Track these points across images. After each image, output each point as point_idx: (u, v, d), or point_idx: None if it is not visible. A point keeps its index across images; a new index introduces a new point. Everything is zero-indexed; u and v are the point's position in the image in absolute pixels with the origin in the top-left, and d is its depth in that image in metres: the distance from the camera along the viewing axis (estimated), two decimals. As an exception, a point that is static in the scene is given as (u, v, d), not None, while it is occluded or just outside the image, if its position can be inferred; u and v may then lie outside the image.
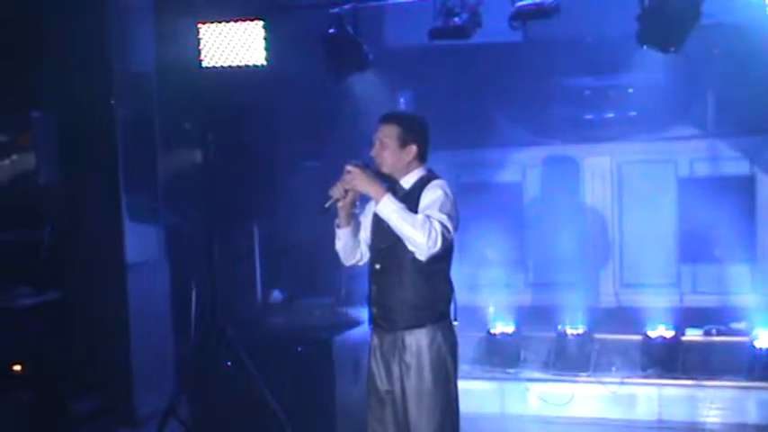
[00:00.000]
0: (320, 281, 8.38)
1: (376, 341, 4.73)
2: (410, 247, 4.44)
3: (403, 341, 4.58)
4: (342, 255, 4.86)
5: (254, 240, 8.42)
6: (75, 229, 7.03)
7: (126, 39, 6.90)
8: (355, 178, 4.52)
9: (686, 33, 6.17)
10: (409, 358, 4.57)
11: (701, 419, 7.52)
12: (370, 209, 4.76)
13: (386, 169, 4.65)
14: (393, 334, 4.62)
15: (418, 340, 4.57)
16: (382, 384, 4.68)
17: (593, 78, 8.83)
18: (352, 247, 4.82)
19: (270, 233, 8.48)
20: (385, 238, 4.60)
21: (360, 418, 5.30)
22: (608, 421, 7.71)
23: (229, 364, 6.99)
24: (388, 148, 4.62)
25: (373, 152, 4.66)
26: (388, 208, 4.44)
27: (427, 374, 4.57)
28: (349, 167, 4.54)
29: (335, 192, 4.60)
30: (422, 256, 4.44)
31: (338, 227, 4.77)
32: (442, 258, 4.60)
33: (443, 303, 4.68)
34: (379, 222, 4.64)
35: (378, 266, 4.67)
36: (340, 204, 4.66)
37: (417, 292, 4.59)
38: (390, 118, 4.72)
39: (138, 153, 7.08)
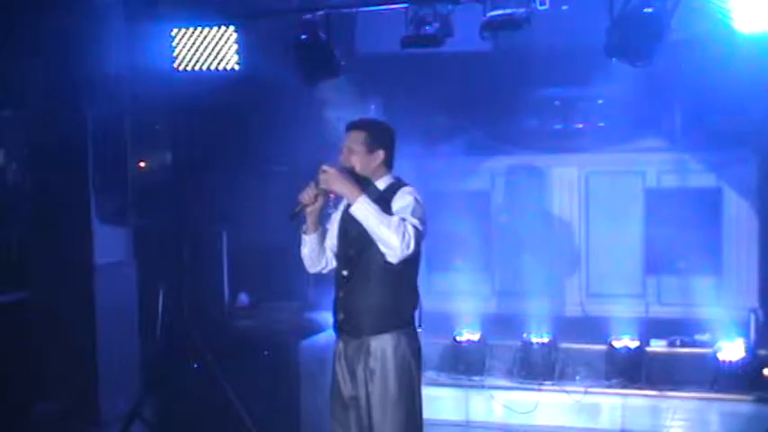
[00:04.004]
0: (287, 285, 8.38)
1: (341, 346, 4.73)
2: (383, 249, 4.45)
3: (368, 347, 4.60)
4: (307, 262, 4.87)
5: (223, 243, 8.41)
6: (44, 229, 7.00)
7: (97, 40, 6.87)
8: (330, 178, 4.51)
9: (654, 47, 6.19)
10: (374, 363, 4.58)
11: (664, 430, 7.56)
12: (336, 216, 4.81)
13: None
14: (358, 339, 4.62)
15: (383, 346, 4.59)
16: (346, 389, 4.69)
17: (562, 89, 8.90)
18: (318, 254, 4.82)
19: (238, 236, 8.47)
20: (353, 245, 4.62)
21: (324, 423, 5.33)
22: (572, 430, 7.76)
23: (195, 366, 6.99)
24: (356, 154, 4.65)
25: (342, 159, 4.67)
26: (364, 209, 4.45)
27: (392, 380, 4.58)
28: (325, 167, 4.53)
29: (305, 197, 4.61)
30: (394, 258, 4.45)
31: (305, 233, 4.78)
32: (410, 265, 4.62)
33: (409, 310, 4.71)
34: (346, 229, 4.67)
35: (345, 273, 4.67)
36: (308, 210, 4.67)
37: (384, 298, 4.61)
38: (357, 124, 4.76)
39: (109, 154, 7.06)
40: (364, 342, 4.61)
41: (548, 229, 8.92)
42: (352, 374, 4.66)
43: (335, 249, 4.80)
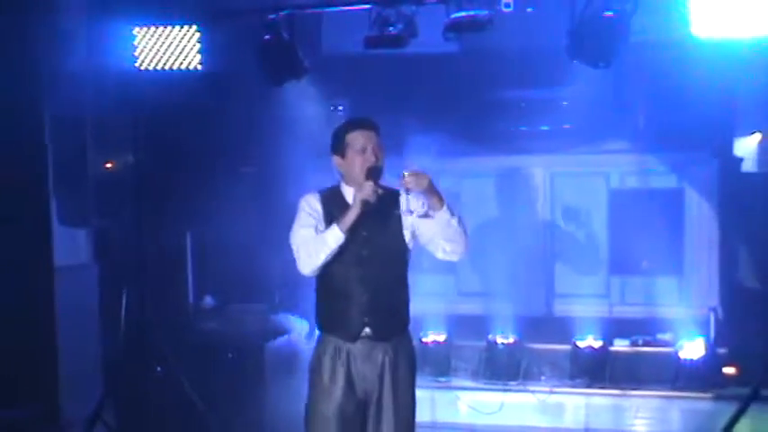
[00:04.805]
0: (253, 287, 8.37)
1: (344, 359, 4.54)
2: (451, 248, 4.53)
3: (384, 349, 4.53)
4: (321, 262, 4.49)
5: (187, 244, 8.38)
6: (2, 230, 6.91)
7: (58, 39, 6.80)
8: (424, 181, 4.39)
9: (615, 49, 6.25)
10: (389, 363, 4.53)
11: (627, 428, 7.66)
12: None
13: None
14: (371, 343, 4.53)
15: (398, 345, 4.58)
16: (350, 404, 4.52)
17: (528, 90, 8.92)
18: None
19: (203, 237, 8.44)
20: (366, 245, 4.52)
21: (289, 425, 5.31)
22: (536, 430, 7.82)
23: (159, 369, 6.95)
24: (382, 153, 4.57)
25: (374, 159, 4.51)
26: (449, 212, 4.48)
27: (407, 380, 4.60)
28: (417, 169, 4.42)
29: (370, 195, 4.40)
30: (456, 256, 4.58)
31: (342, 229, 4.44)
32: (408, 265, 4.67)
33: (409, 309, 4.71)
34: (356, 229, 4.48)
35: (369, 273, 4.53)
36: (361, 211, 4.45)
37: (401, 298, 4.63)
38: (376, 125, 4.64)
39: (69, 155, 6.98)
40: (380, 345, 4.53)
41: (513, 229, 8.94)
42: (363, 381, 4.53)
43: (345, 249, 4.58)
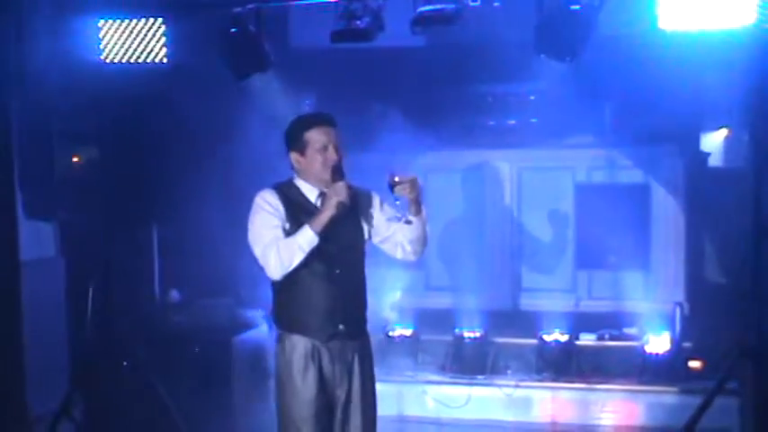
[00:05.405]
0: (219, 281, 8.34)
1: (316, 359, 4.46)
2: (412, 248, 4.56)
3: (353, 347, 4.52)
4: (293, 263, 4.36)
5: (153, 238, 8.34)
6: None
7: (22, 32, 6.74)
8: (418, 187, 4.39)
9: (582, 44, 6.28)
10: (358, 361, 4.52)
11: (594, 421, 7.70)
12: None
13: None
14: (343, 342, 4.49)
15: (363, 344, 4.59)
16: (321, 404, 4.46)
17: (495, 85, 8.94)
18: None
19: (169, 231, 8.40)
20: (335, 243, 4.43)
21: (256, 418, 5.32)
22: (503, 423, 7.82)
23: (125, 363, 6.93)
24: (343, 148, 4.50)
25: (338, 157, 4.44)
26: (425, 217, 4.50)
27: (372, 377, 4.61)
28: (407, 174, 4.38)
29: (345, 195, 4.33)
30: (416, 256, 4.61)
31: (316, 231, 4.35)
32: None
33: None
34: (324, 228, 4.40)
35: (338, 271, 4.47)
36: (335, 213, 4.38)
37: (365, 296, 4.62)
38: (334, 121, 4.53)
39: (35, 149, 6.91)
40: (348, 344, 4.50)
41: (480, 223, 8.98)
42: (332, 378, 4.49)
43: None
